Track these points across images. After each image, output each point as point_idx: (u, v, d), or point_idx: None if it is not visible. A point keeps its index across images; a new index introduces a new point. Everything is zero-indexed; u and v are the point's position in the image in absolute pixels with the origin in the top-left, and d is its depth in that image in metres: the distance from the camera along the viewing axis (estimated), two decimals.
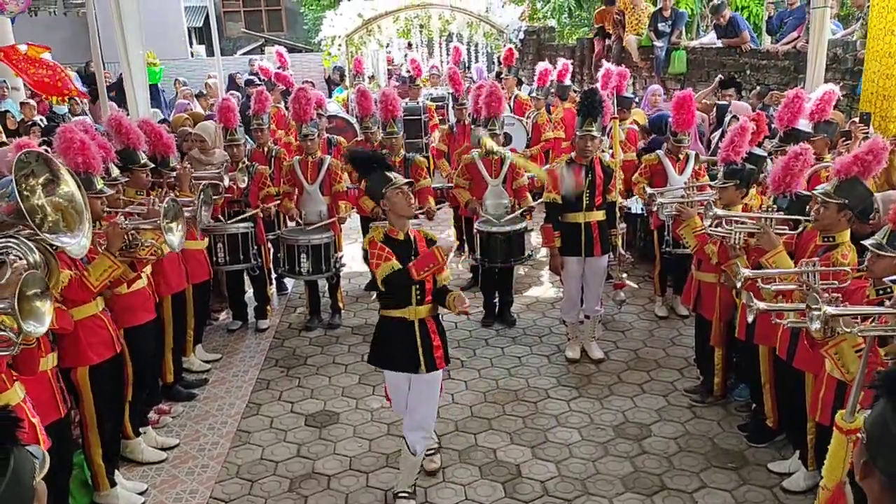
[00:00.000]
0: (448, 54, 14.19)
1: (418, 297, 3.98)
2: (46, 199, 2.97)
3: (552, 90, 9.10)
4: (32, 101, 10.27)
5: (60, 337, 3.78)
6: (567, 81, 9.09)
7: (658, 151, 6.37)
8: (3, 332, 2.83)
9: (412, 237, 4.04)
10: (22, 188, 2.95)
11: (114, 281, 4.00)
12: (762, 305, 3.45)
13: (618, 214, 5.88)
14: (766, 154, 5.20)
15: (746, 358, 4.67)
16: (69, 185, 3.03)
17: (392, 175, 4.03)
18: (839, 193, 3.75)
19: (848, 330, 2.96)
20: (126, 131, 5.02)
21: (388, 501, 4.24)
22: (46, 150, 3.92)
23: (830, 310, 2.96)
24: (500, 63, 13.26)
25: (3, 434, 1.59)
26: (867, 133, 5.71)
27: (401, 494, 4.16)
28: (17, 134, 8.44)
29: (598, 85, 7.26)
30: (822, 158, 5.21)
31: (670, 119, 6.25)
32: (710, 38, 10.54)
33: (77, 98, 9.89)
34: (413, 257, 3.95)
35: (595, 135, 5.45)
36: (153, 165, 5.25)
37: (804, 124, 5.44)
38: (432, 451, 4.52)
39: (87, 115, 9.93)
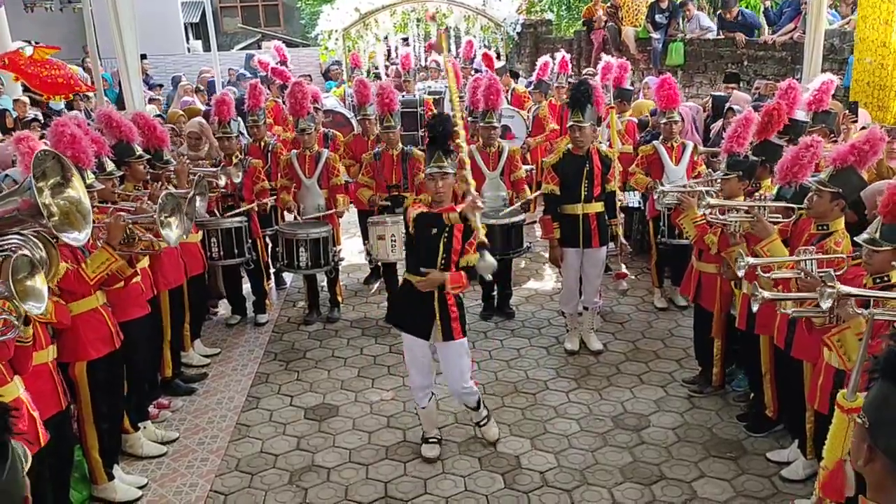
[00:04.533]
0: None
1: (443, 266, 4.13)
2: (53, 200, 2.99)
3: (555, 83, 9.03)
4: (25, 98, 10.22)
5: (60, 331, 3.79)
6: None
7: (654, 142, 6.38)
8: (4, 317, 2.85)
9: (446, 217, 4.07)
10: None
11: (111, 275, 4.01)
12: (767, 295, 3.44)
13: (617, 205, 5.87)
14: (783, 143, 5.14)
15: (746, 348, 4.68)
16: (77, 190, 3.05)
17: (440, 160, 4.17)
18: (833, 182, 3.74)
19: (859, 311, 2.96)
20: (117, 125, 5.00)
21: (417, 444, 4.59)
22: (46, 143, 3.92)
23: (844, 288, 2.96)
24: (498, 57, 13.23)
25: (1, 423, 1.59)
26: (855, 122, 5.71)
27: (430, 439, 4.54)
28: (15, 132, 8.39)
29: (599, 77, 7.25)
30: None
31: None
32: (695, 25, 10.52)
33: (87, 94, 9.82)
34: (443, 232, 4.11)
35: (583, 125, 5.43)
36: (149, 157, 5.25)
37: (800, 114, 5.42)
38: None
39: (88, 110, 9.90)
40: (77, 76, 8.33)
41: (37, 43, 9.15)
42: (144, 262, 4.68)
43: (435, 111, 9.99)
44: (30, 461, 1.74)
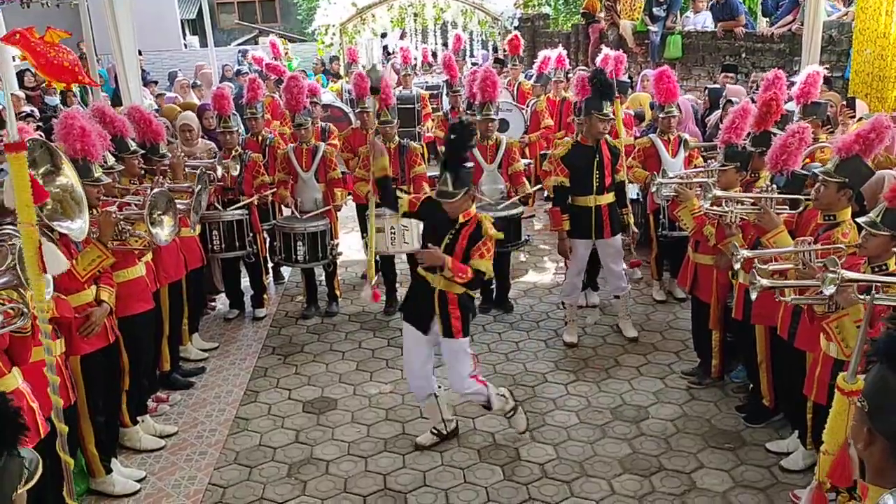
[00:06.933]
0: (443, 43, 14.15)
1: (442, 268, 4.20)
2: (46, 188, 2.98)
3: (554, 78, 8.99)
4: (20, 92, 10.18)
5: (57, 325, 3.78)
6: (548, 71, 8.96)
7: (651, 135, 6.37)
8: (7, 308, 2.85)
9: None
10: None
11: (104, 271, 3.99)
12: (766, 282, 3.43)
13: (627, 194, 5.87)
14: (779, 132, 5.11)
15: (743, 338, 4.67)
16: (69, 177, 3.04)
17: (445, 183, 4.12)
18: (840, 172, 3.71)
19: (860, 297, 2.96)
20: (111, 120, 4.98)
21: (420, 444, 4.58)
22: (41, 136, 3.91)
23: (848, 274, 2.95)
24: (495, 51, 13.20)
25: (2, 437, 1.60)
26: (852, 116, 5.70)
27: (432, 430, 4.58)
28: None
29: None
30: (817, 139, 5.19)
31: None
32: (703, 19, 10.49)
33: (89, 87, 9.78)
34: (450, 230, 4.21)
35: (611, 116, 5.49)
36: (143, 152, 5.23)
37: (788, 105, 5.40)
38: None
39: (81, 106, 9.86)
40: (82, 67, 8.31)
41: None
42: (148, 257, 4.68)
43: (431, 108, 10.00)
44: (37, 477, 1.73)
